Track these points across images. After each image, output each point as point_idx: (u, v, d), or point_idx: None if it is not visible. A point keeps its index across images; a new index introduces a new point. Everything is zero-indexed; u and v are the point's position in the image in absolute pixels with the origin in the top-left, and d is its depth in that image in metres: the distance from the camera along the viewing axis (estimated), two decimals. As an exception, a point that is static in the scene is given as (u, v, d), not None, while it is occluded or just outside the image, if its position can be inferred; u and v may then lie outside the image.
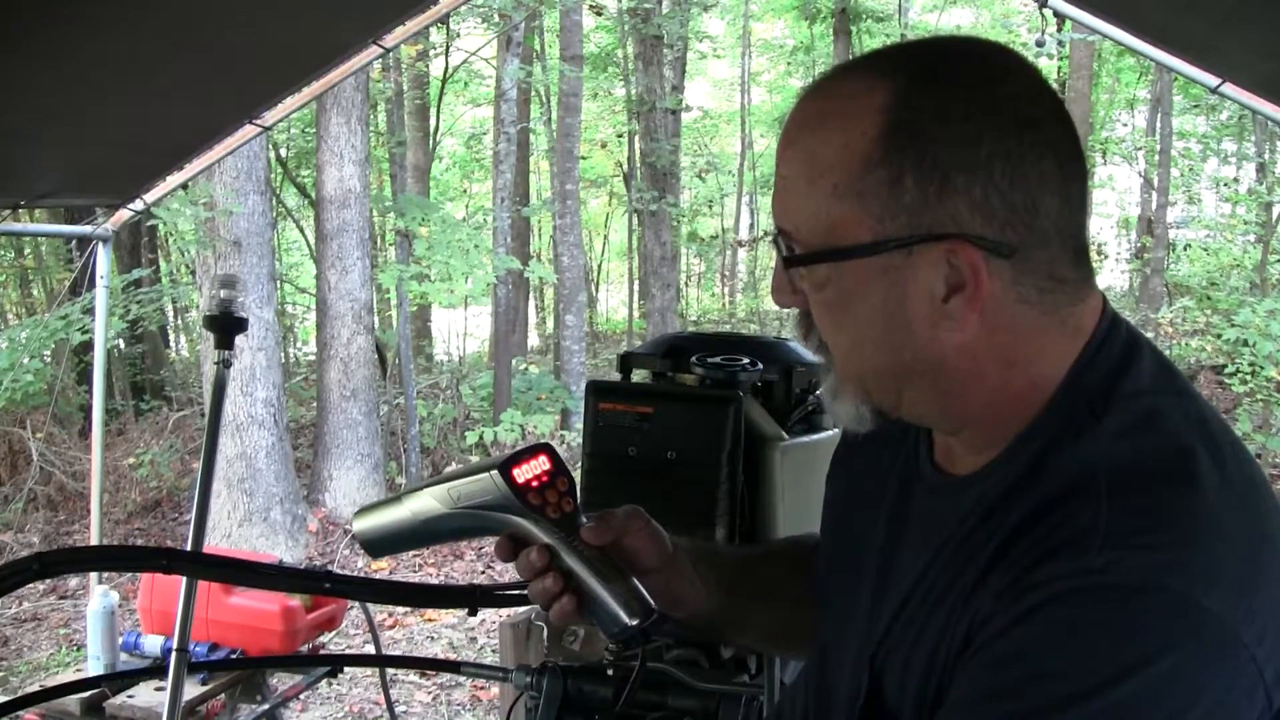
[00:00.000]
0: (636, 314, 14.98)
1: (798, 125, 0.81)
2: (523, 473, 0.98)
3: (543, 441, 1.08)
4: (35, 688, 3.62)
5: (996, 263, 0.75)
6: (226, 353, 2.15)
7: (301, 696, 4.40)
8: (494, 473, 0.97)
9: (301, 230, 12.22)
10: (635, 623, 0.94)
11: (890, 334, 0.79)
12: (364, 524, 1.03)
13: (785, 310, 0.90)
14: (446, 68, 12.27)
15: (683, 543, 1.05)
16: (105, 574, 4.31)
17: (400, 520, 1.01)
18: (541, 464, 0.99)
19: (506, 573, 1.01)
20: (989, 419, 0.81)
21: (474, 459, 7.55)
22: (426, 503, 1.00)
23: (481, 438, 7.91)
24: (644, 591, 0.97)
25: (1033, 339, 0.79)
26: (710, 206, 18.43)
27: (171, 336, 12.67)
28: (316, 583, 1.09)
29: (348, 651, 5.39)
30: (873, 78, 0.78)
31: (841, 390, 0.85)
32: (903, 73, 0.77)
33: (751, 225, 18.77)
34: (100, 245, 3.46)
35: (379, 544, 1.04)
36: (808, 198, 0.79)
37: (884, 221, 0.76)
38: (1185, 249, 12.24)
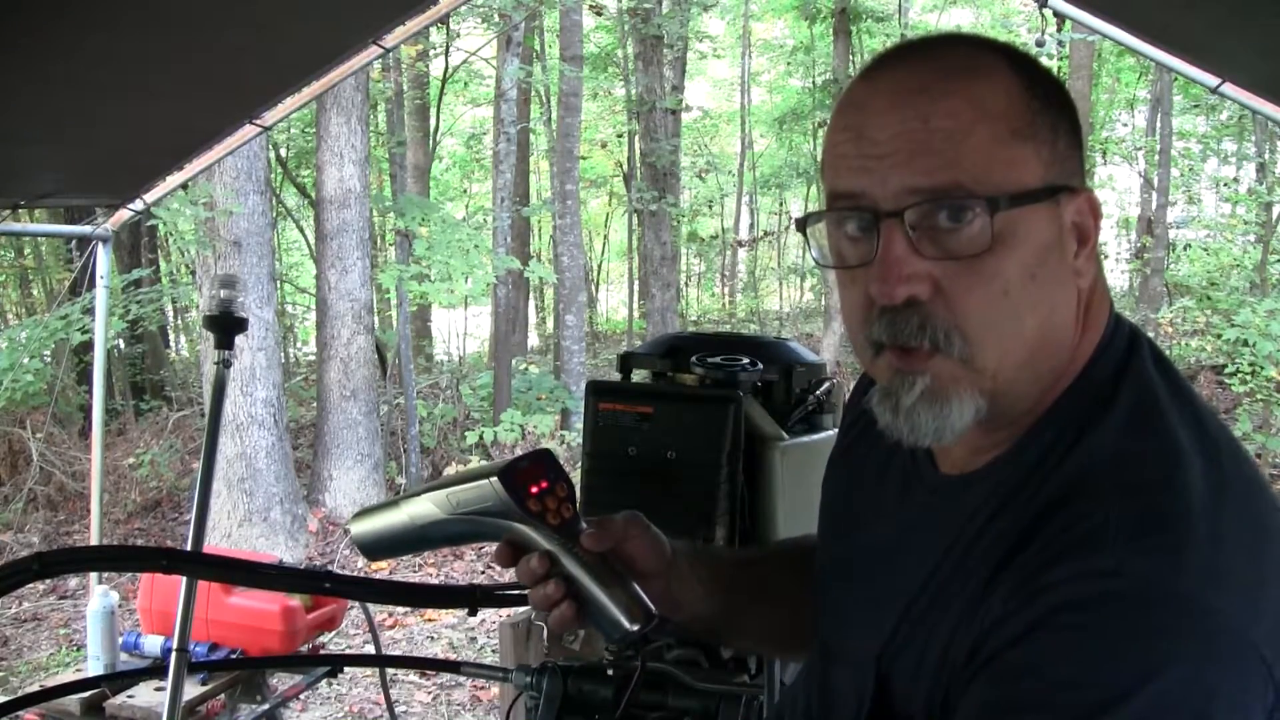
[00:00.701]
0: (636, 314, 14.98)
1: (936, 77, 0.76)
2: (523, 479, 0.98)
3: (542, 448, 1.08)
4: (35, 688, 3.62)
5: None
6: (226, 353, 2.15)
7: (301, 696, 4.40)
8: (494, 479, 0.97)
9: (301, 230, 12.22)
10: (635, 628, 0.95)
11: (1046, 289, 0.77)
12: (361, 528, 1.03)
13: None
14: (446, 68, 12.27)
15: (681, 546, 1.05)
16: (105, 574, 4.31)
17: (398, 525, 1.01)
18: (541, 470, 0.99)
19: (506, 573, 1.01)
20: (1025, 398, 0.80)
21: (474, 460, 7.56)
22: (425, 508, 0.99)
23: (481, 438, 7.91)
24: (643, 596, 0.97)
25: (1095, 301, 0.82)
26: (710, 206, 18.43)
27: (171, 336, 12.67)
28: (316, 583, 1.09)
29: (348, 651, 5.38)
30: (973, 46, 0.81)
31: (959, 386, 0.77)
32: (997, 48, 0.81)
33: (751, 225, 18.77)
34: (100, 245, 3.46)
35: (376, 548, 1.04)
36: (982, 142, 0.75)
37: (1051, 167, 0.77)
38: (1185, 249, 12.24)
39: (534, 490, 0.98)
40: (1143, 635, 0.66)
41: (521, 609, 2.81)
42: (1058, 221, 0.77)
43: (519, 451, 8.01)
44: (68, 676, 4.28)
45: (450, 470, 7.36)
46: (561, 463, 1.03)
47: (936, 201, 0.74)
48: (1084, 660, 0.67)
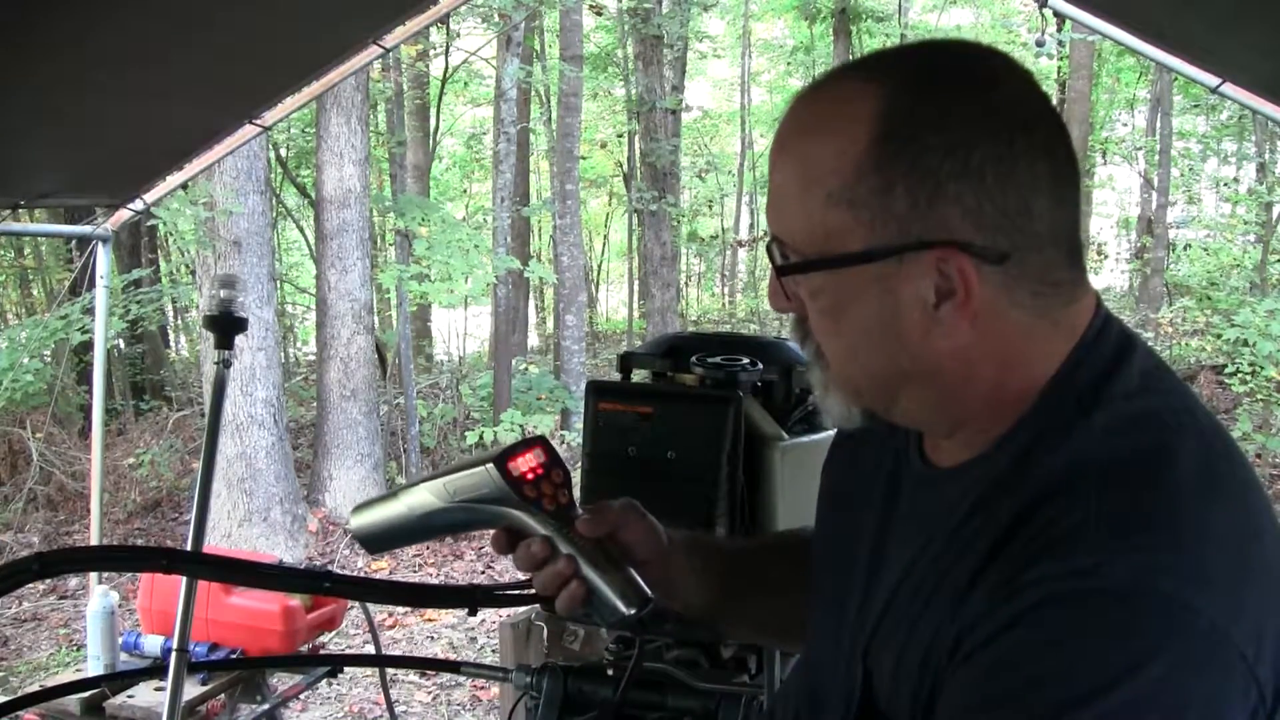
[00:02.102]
0: (636, 314, 14.98)
1: (790, 132, 0.81)
2: (518, 465, 0.98)
3: (538, 434, 1.08)
4: (35, 688, 3.62)
5: (988, 269, 0.75)
6: (226, 353, 2.15)
7: (301, 696, 4.40)
8: (489, 466, 0.98)
9: (301, 230, 12.21)
10: (633, 612, 0.96)
11: (884, 341, 0.79)
12: (361, 520, 1.03)
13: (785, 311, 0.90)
14: (446, 68, 12.26)
15: (679, 535, 1.06)
16: (105, 574, 4.31)
17: (397, 515, 1.02)
18: (537, 456, 1.00)
19: (506, 573, 1.02)
20: (983, 419, 0.81)
21: (472, 455, 7.56)
22: (423, 497, 1.00)
23: (481, 438, 7.91)
24: (640, 581, 0.98)
25: (1027, 342, 0.79)
26: (710, 206, 18.43)
27: (171, 336, 12.67)
28: (316, 583, 1.09)
29: (348, 651, 5.39)
30: (865, 83, 0.78)
31: (833, 390, 0.86)
32: (895, 78, 0.77)
33: (751, 225, 18.76)
34: (100, 245, 3.46)
35: (376, 540, 1.04)
36: (801, 205, 0.79)
37: (875, 230, 0.76)
38: (1185, 249, 12.24)
39: (529, 476, 0.98)
40: (1120, 633, 0.66)
41: (522, 609, 2.81)
42: (890, 281, 0.76)
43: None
44: (68, 676, 4.27)
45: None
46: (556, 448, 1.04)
47: (773, 246, 0.82)
48: (1060, 657, 0.67)
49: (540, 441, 1.02)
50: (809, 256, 0.79)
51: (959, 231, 0.74)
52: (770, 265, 0.84)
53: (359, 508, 1.04)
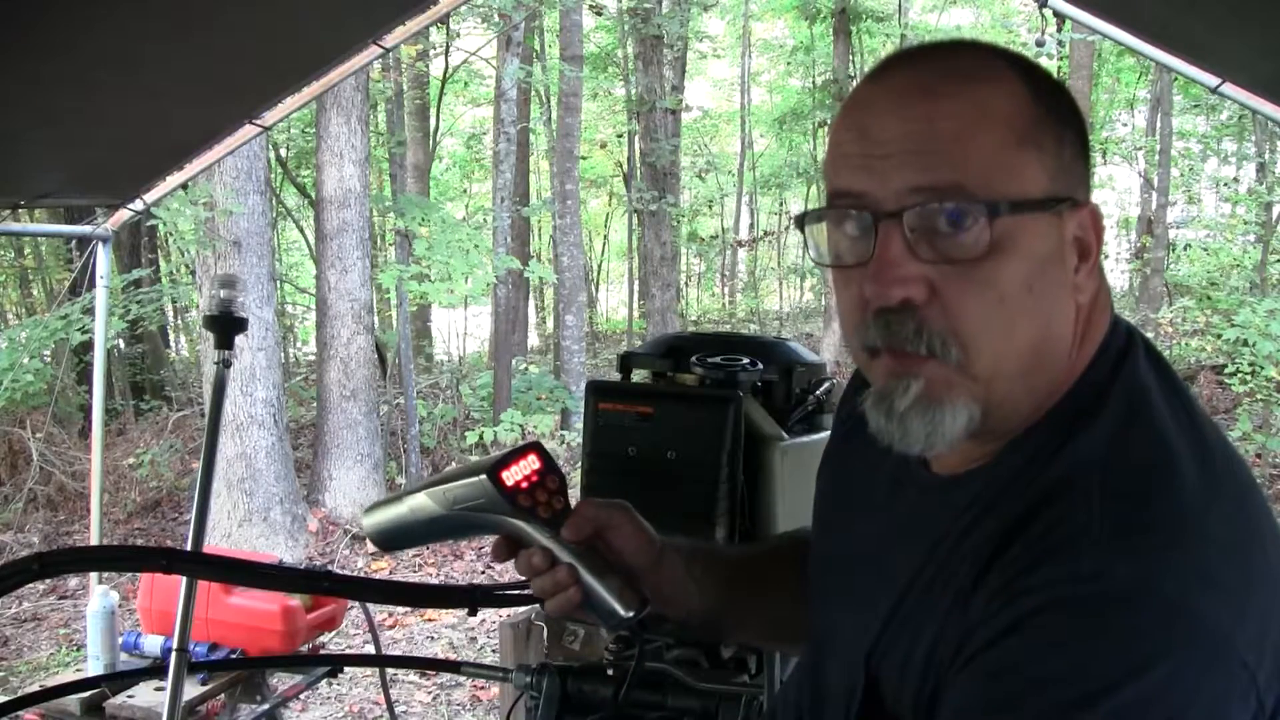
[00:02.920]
0: (636, 314, 14.98)
1: (944, 77, 0.76)
2: (512, 475, 1.00)
3: (532, 440, 1.09)
4: (35, 688, 3.62)
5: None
6: (226, 353, 2.15)
7: (301, 696, 4.40)
8: (483, 477, 0.99)
9: (301, 230, 12.22)
10: (630, 614, 0.97)
11: (1044, 302, 0.76)
12: (372, 520, 1.06)
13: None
14: (446, 68, 12.27)
15: (676, 543, 1.05)
16: (105, 574, 4.31)
17: (402, 518, 1.03)
18: (531, 464, 1.01)
19: (506, 573, 1.02)
20: (1022, 414, 0.79)
21: (473, 459, 7.56)
22: (423, 503, 1.02)
23: (481, 438, 7.91)
24: (636, 584, 0.99)
25: (1096, 312, 0.81)
26: (710, 206, 18.44)
27: (171, 336, 12.67)
28: (316, 583, 1.09)
29: (348, 651, 5.38)
30: (981, 51, 0.80)
31: (954, 393, 0.76)
32: (1005, 54, 0.80)
33: (751, 225, 18.78)
34: (100, 245, 3.46)
35: (386, 540, 1.07)
36: (986, 144, 0.74)
37: (1055, 177, 0.76)
38: (1185, 249, 12.24)
39: (524, 485, 1.00)
40: (1122, 636, 0.66)
41: (522, 609, 2.81)
42: (1058, 233, 0.76)
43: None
44: (68, 676, 4.27)
45: (453, 465, 7.37)
46: (552, 455, 1.05)
47: (937, 203, 0.73)
48: (1062, 660, 0.67)
49: (534, 448, 1.03)
50: (998, 198, 0.73)
51: (1085, 192, 0.79)
52: (891, 242, 0.74)
53: (371, 508, 1.07)
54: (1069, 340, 0.79)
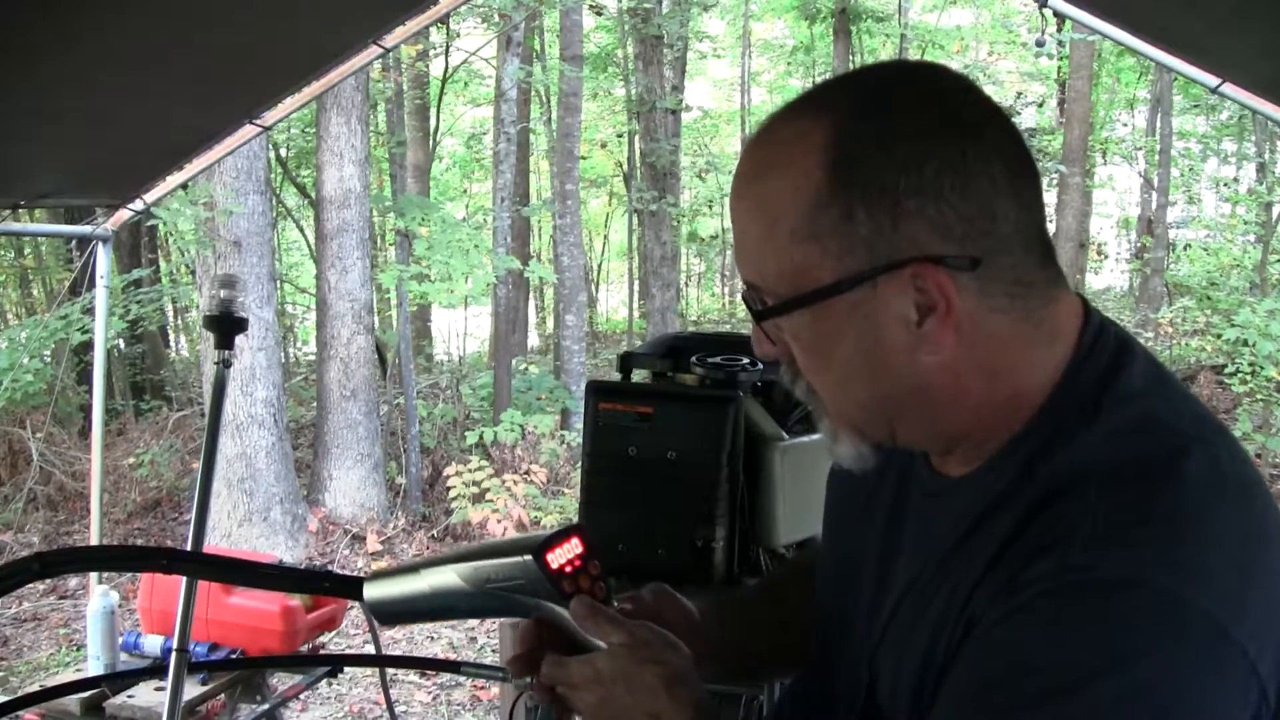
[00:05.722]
0: (636, 314, 14.98)
1: (744, 178, 0.81)
2: (556, 558, 0.94)
3: (574, 524, 1.06)
4: (35, 688, 3.62)
5: (963, 278, 0.75)
6: (226, 353, 2.15)
7: (301, 696, 4.40)
8: (529, 558, 0.93)
9: (301, 230, 12.21)
10: None
11: (872, 368, 0.79)
12: (377, 592, 0.98)
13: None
14: (446, 68, 12.26)
15: (702, 604, 1.05)
16: (105, 574, 4.31)
17: (417, 594, 0.97)
18: (574, 547, 0.96)
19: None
20: (978, 432, 0.81)
21: (474, 460, 7.54)
22: (448, 579, 0.95)
23: (481, 438, 7.90)
24: None
25: (1011, 348, 0.79)
26: (710, 206, 18.42)
27: (171, 336, 12.67)
28: (316, 583, 1.09)
29: (348, 651, 5.39)
30: (810, 118, 0.78)
31: (838, 432, 0.85)
32: (838, 107, 0.78)
33: (751, 225, 18.72)
34: (100, 245, 3.46)
35: (392, 615, 0.99)
36: (767, 248, 0.79)
37: (844, 259, 0.76)
38: (1185, 249, 12.25)
39: (568, 569, 0.94)
40: (1116, 624, 0.66)
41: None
42: (872, 303, 0.76)
43: (518, 452, 7.99)
44: (68, 676, 4.27)
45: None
46: (592, 541, 0.99)
47: (755, 295, 0.82)
48: (1052, 644, 0.68)
49: (578, 530, 0.97)
50: (784, 297, 0.79)
51: (928, 245, 0.75)
52: (752, 319, 0.84)
53: (375, 577, 0.99)
54: (963, 377, 0.78)
